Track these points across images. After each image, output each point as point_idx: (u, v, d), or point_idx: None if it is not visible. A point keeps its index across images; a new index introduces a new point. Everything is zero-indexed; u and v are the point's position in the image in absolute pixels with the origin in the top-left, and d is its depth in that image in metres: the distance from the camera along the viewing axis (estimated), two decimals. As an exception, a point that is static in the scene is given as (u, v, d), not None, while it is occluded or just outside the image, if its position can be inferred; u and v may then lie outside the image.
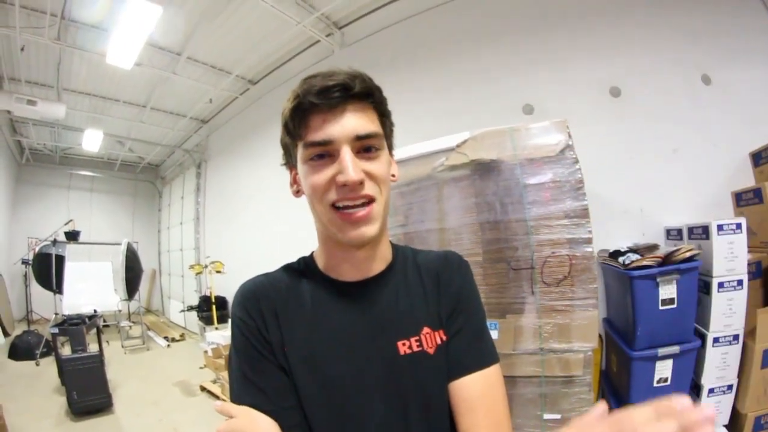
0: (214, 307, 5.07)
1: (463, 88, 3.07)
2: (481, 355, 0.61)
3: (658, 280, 1.84)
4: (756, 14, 2.87)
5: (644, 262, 1.85)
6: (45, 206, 7.86)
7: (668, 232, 2.42)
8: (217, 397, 3.68)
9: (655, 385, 1.97)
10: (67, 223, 6.20)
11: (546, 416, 1.66)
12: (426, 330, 0.60)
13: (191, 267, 5.79)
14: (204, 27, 3.79)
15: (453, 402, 0.58)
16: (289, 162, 0.63)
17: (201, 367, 4.50)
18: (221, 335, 4.42)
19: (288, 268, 0.66)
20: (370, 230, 0.56)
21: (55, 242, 5.71)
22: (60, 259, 5.55)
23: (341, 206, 0.55)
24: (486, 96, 2.96)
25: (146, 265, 7.18)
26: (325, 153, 0.55)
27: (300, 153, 0.57)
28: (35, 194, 7.87)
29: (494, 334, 1.55)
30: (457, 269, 0.68)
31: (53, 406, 3.54)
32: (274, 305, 0.60)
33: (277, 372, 0.57)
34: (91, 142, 6.36)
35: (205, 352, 4.42)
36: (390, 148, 0.63)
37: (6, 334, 5.66)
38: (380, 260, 0.64)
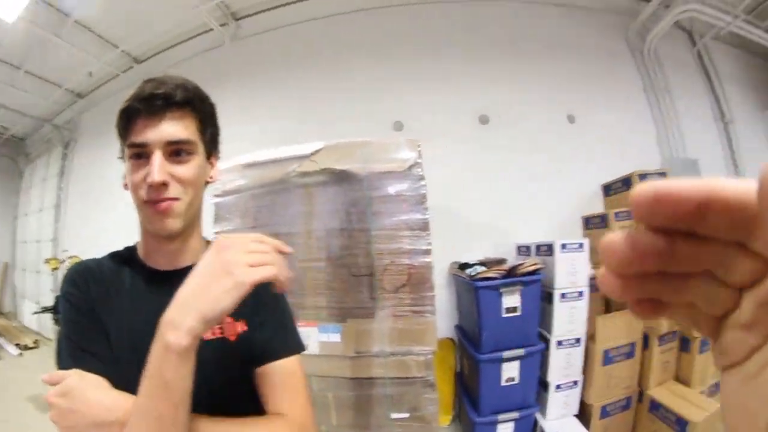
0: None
1: (344, 97, 3.14)
2: (285, 345, 0.70)
3: (501, 290, 2.06)
4: (622, 61, 3.32)
5: (489, 274, 2.07)
6: None
7: (519, 248, 2.72)
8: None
9: (503, 384, 2.18)
10: None
11: (393, 415, 1.76)
12: (228, 319, 0.67)
13: (47, 261, 5.15)
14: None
15: (260, 387, 0.65)
16: (122, 157, 0.69)
17: (56, 378, 4.02)
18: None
19: (114, 255, 0.73)
20: (172, 224, 0.63)
21: None
22: None
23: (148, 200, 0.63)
24: (362, 109, 3.05)
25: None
26: (142, 154, 0.62)
27: (125, 151, 0.65)
28: None
29: (337, 338, 1.63)
30: None
31: None
32: (98, 288, 0.66)
33: (105, 341, 0.62)
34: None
35: (61, 360, 3.94)
36: (210, 153, 0.71)
37: None
38: (191, 254, 0.70)
